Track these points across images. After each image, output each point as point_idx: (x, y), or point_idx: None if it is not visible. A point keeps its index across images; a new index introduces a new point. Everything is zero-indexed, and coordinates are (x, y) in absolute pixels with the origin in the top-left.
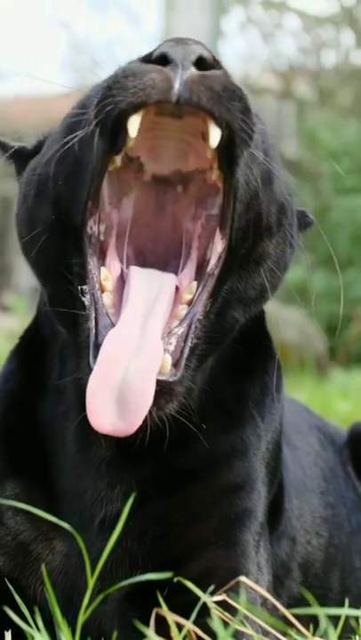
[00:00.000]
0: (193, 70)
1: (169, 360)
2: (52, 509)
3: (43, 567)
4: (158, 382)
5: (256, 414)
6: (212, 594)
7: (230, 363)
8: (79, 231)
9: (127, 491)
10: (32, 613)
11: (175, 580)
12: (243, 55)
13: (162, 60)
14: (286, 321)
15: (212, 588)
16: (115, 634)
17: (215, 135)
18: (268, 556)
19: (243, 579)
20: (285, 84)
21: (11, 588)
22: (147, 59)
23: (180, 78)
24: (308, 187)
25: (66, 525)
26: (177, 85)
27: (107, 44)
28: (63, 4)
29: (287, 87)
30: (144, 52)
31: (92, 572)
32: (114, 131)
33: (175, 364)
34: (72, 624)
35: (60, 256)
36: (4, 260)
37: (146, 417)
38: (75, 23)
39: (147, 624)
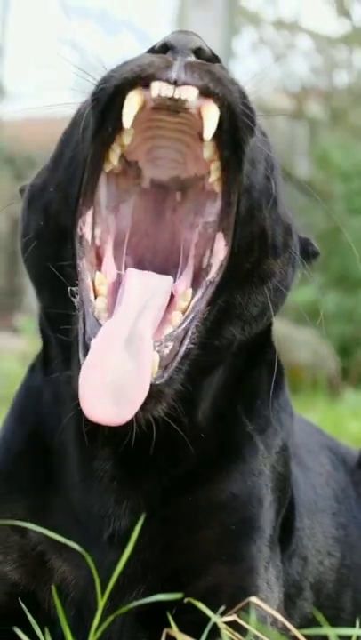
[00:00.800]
0: (193, 57)
1: (157, 361)
2: (62, 524)
3: (53, 588)
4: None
5: (259, 432)
6: (222, 613)
7: (236, 379)
8: (69, 232)
9: (134, 506)
10: (44, 631)
11: (185, 601)
12: (255, 75)
13: (164, 48)
14: (298, 342)
15: (222, 608)
16: None
17: (213, 113)
18: (279, 574)
19: (253, 599)
20: (297, 105)
21: (24, 607)
22: (150, 50)
23: (180, 62)
24: (320, 207)
25: (75, 546)
26: (176, 67)
27: (117, 64)
28: (75, 27)
29: (299, 107)
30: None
31: (103, 588)
32: (107, 107)
33: (165, 367)
34: None
35: (51, 259)
36: (15, 282)
37: (133, 418)
38: (86, 45)
39: None
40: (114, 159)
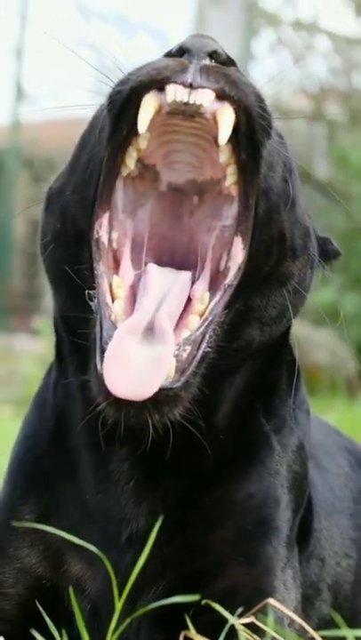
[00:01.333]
0: (208, 61)
1: (174, 364)
2: (79, 523)
3: (70, 590)
4: (162, 389)
5: (275, 432)
6: (240, 615)
7: (255, 380)
8: (86, 236)
9: (151, 508)
10: (61, 633)
11: (203, 602)
12: (273, 77)
13: (180, 52)
14: (317, 343)
15: (240, 610)
16: None
17: (229, 117)
18: (296, 575)
19: (270, 600)
20: (316, 106)
21: (40, 608)
22: (167, 54)
23: (196, 65)
24: (340, 208)
25: (93, 548)
26: (192, 70)
27: (134, 67)
28: (93, 29)
29: (318, 108)
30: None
31: (120, 589)
32: (123, 110)
33: (182, 371)
34: None
35: (69, 262)
36: (34, 285)
37: (149, 421)
38: (104, 47)
39: None
40: (130, 163)
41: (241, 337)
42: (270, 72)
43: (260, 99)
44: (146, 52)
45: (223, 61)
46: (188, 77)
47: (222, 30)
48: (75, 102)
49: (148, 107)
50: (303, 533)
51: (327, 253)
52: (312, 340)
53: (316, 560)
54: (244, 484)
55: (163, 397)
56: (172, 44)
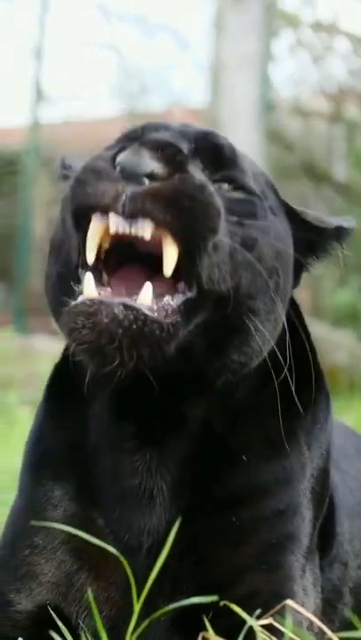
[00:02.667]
0: (143, 184)
1: (150, 291)
2: (98, 538)
3: (89, 592)
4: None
5: (304, 444)
6: (258, 617)
7: (279, 395)
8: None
9: (172, 519)
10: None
11: (221, 604)
12: (293, 78)
13: (119, 169)
14: (336, 344)
15: (258, 611)
16: None
17: (170, 250)
18: (316, 580)
19: (289, 602)
20: (335, 107)
21: (54, 614)
22: (113, 157)
23: (131, 191)
24: (359, 209)
25: (113, 550)
26: (128, 197)
27: (156, 68)
28: (113, 29)
29: (337, 110)
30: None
31: (138, 597)
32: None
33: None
34: None
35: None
36: None
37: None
38: (124, 48)
39: None
40: (91, 257)
41: (222, 355)
42: (289, 73)
43: (200, 209)
44: (165, 53)
45: (165, 176)
46: (125, 206)
47: (241, 31)
48: (94, 103)
49: (94, 232)
50: (325, 538)
51: (340, 236)
52: (331, 341)
53: (339, 564)
54: (266, 499)
55: (138, 322)
56: (192, 47)
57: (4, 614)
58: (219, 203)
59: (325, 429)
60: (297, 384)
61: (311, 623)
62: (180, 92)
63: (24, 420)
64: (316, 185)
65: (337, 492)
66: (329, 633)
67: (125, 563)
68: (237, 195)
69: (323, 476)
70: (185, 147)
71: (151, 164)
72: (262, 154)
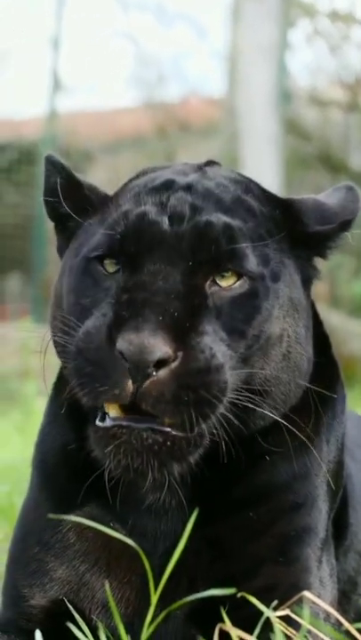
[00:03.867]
0: (148, 376)
1: None
2: (112, 539)
3: (106, 585)
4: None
5: (324, 439)
6: (275, 609)
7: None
8: None
9: (187, 521)
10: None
11: (238, 595)
12: (310, 67)
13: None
14: (353, 333)
15: (275, 602)
16: None
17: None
18: (332, 571)
19: (306, 593)
20: (352, 96)
21: (70, 607)
22: (109, 334)
23: (135, 387)
24: None
25: (131, 542)
26: (131, 391)
27: (173, 57)
28: (130, 18)
29: (354, 99)
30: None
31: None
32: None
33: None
34: None
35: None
36: None
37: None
38: (142, 37)
39: None
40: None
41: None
42: (306, 62)
43: (201, 397)
44: (182, 42)
45: (168, 357)
46: (127, 399)
47: (258, 20)
48: (111, 92)
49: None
50: (339, 528)
51: (346, 226)
52: (348, 330)
53: (354, 554)
54: (284, 495)
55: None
56: (209, 36)
57: (18, 609)
58: (225, 374)
59: (342, 421)
60: (317, 381)
61: (328, 614)
62: (196, 81)
63: (41, 410)
64: (332, 175)
65: (351, 480)
66: (346, 624)
67: (143, 555)
68: (236, 290)
69: (338, 467)
70: (180, 307)
71: (155, 349)
72: (279, 143)
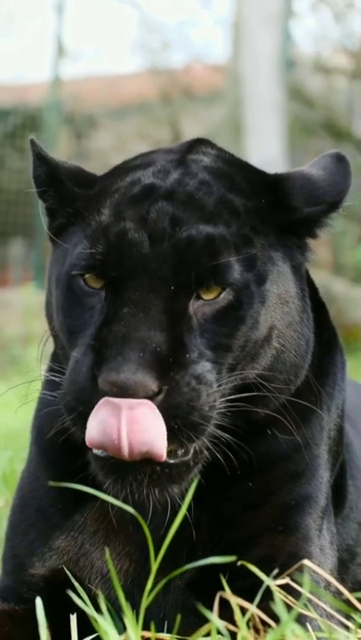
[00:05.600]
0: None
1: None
2: (109, 513)
3: (107, 552)
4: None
5: (325, 407)
6: (275, 578)
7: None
8: None
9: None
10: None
11: (238, 563)
12: (314, 35)
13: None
14: (357, 301)
15: (275, 571)
16: (178, 617)
17: None
18: (332, 539)
19: (306, 562)
20: (357, 64)
21: (70, 575)
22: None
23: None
24: None
25: (130, 509)
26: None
27: (177, 24)
28: None
29: (358, 67)
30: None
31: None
32: None
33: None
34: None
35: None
36: None
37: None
38: (146, 4)
39: (209, 611)
40: None
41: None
42: (311, 30)
43: (196, 420)
44: (187, 9)
45: (153, 392)
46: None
47: None
48: (115, 59)
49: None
50: (337, 495)
51: (337, 204)
52: (351, 298)
53: (353, 524)
54: (291, 464)
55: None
56: (213, 4)
57: (18, 577)
58: (212, 395)
59: (342, 389)
60: (317, 350)
61: (328, 583)
62: (201, 48)
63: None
64: (336, 142)
65: (350, 448)
66: (346, 593)
67: (143, 522)
68: (220, 303)
69: (339, 435)
70: (163, 341)
71: (137, 388)
72: (283, 110)
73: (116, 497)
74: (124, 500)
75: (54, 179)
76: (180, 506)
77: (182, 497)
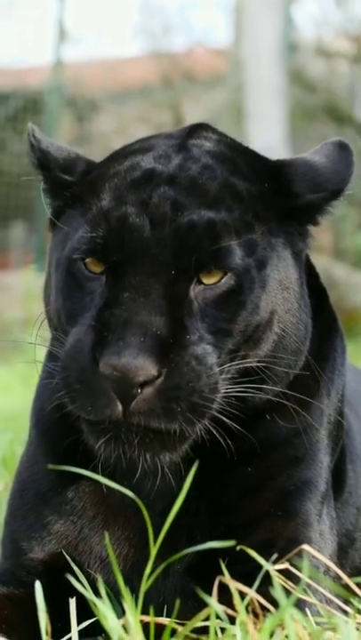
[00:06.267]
0: (134, 396)
1: None
2: (108, 497)
3: (106, 536)
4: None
5: (324, 393)
6: (274, 563)
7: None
8: None
9: (184, 478)
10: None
11: (237, 548)
12: (316, 19)
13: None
14: (358, 286)
15: (274, 556)
16: (177, 602)
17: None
18: (332, 524)
19: (306, 547)
20: (358, 48)
21: (69, 559)
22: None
23: (124, 406)
24: None
25: (130, 493)
26: (120, 410)
27: (179, 7)
28: None
29: (360, 51)
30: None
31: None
32: None
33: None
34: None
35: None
36: None
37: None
38: None
39: (209, 596)
40: None
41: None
42: (312, 14)
43: (189, 403)
44: None
45: (153, 376)
46: (119, 415)
47: None
48: (116, 42)
49: None
50: (337, 480)
51: (338, 193)
52: (352, 283)
53: (352, 509)
54: (290, 449)
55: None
56: None
57: (17, 561)
58: (214, 376)
59: (342, 374)
60: (317, 336)
61: (328, 568)
62: (202, 31)
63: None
64: (338, 126)
65: (350, 433)
66: (345, 578)
67: (143, 507)
68: (221, 288)
69: (339, 419)
70: (162, 324)
71: (138, 372)
72: (284, 95)
73: (107, 460)
74: (115, 462)
75: (44, 167)
76: (180, 490)
77: (174, 466)
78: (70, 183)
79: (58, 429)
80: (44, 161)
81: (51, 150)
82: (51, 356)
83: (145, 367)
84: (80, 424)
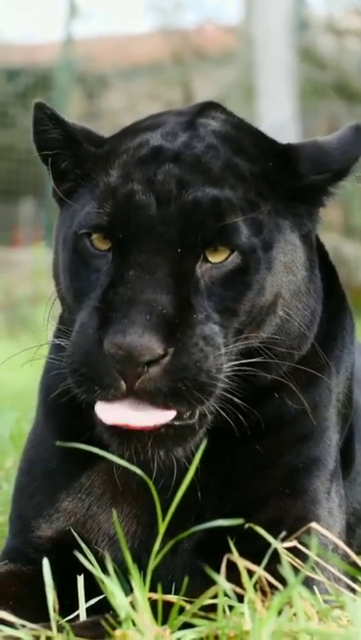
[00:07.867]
0: (139, 375)
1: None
2: (116, 474)
3: (114, 514)
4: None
5: (334, 370)
6: (283, 540)
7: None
8: None
9: (193, 458)
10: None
11: (246, 526)
12: None
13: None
14: None
15: (283, 534)
16: (186, 579)
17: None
18: (341, 502)
19: (314, 525)
20: None
21: (77, 537)
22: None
23: (128, 385)
24: None
25: (138, 471)
26: (125, 389)
27: None
28: None
29: None
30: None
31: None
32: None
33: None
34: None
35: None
36: None
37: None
38: None
39: (217, 574)
40: None
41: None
42: None
43: (195, 381)
44: None
45: (159, 355)
46: (125, 392)
47: None
48: (127, 19)
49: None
50: (345, 459)
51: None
52: (359, 261)
53: (360, 487)
54: (299, 426)
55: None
56: None
57: (25, 538)
58: (220, 357)
59: (351, 352)
60: (326, 314)
61: (336, 546)
62: (213, 8)
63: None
64: (348, 103)
65: (358, 412)
66: (353, 556)
67: (150, 483)
68: (227, 267)
69: (347, 397)
70: (169, 303)
71: (143, 351)
72: (295, 72)
73: (121, 458)
74: (129, 461)
75: (71, 140)
76: (187, 468)
77: (187, 459)
78: (90, 157)
79: (65, 407)
80: (72, 134)
81: (74, 124)
82: (59, 332)
83: (150, 346)
84: (93, 417)
